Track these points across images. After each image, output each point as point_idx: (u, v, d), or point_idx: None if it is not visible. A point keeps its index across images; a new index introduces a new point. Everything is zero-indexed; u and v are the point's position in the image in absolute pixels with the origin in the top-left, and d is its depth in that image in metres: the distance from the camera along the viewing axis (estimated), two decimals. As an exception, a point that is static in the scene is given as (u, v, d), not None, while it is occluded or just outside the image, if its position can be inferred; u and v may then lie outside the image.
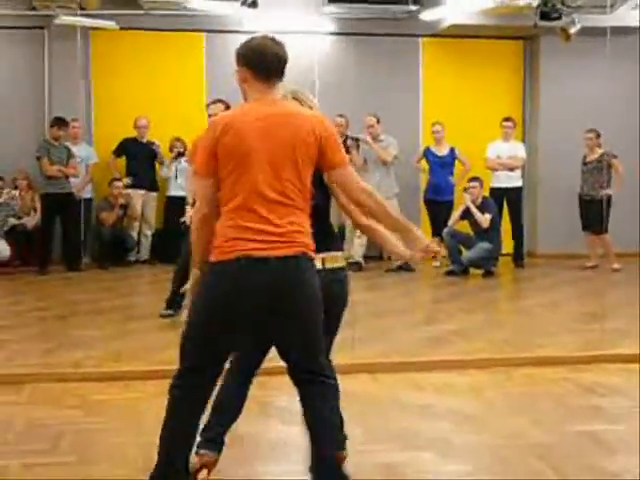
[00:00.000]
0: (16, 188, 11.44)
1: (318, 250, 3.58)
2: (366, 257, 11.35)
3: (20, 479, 3.92)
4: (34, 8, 11.49)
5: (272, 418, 5.05)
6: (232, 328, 3.46)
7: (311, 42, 12.28)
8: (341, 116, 11.43)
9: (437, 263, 11.45)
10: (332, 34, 12.36)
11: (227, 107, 7.96)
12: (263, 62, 3.54)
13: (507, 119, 11.74)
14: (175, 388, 3.53)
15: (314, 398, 3.63)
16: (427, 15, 11.65)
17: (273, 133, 3.45)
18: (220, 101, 8.08)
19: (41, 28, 11.79)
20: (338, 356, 6.29)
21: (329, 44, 12.47)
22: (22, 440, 4.57)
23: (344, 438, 3.84)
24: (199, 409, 3.56)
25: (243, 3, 11.05)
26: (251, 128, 3.44)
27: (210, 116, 7.85)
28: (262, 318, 3.47)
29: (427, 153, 11.82)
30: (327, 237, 3.77)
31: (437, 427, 4.84)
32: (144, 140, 11.79)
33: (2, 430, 4.71)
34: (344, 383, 5.67)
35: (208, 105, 7.85)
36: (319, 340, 3.58)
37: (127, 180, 11.73)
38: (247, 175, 3.40)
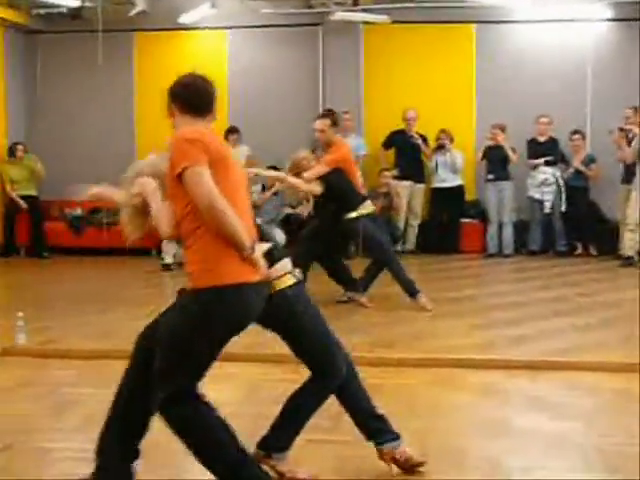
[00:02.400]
0: (292, 177, 11.99)
1: None
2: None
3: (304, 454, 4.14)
4: (311, 6, 11.98)
5: (544, 413, 4.97)
6: None
7: (586, 30, 11.91)
8: (634, 108, 10.88)
9: None
10: (609, 20, 11.86)
11: (334, 123, 7.89)
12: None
13: None
14: None
15: None
16: None
17: None
18: (328, 115, 8.09)
19: (317, 25, 12.28)
20: (614, 354, 6.10)
21: (605, 31, 11.99)
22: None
23: None
24: None
25: (515, -7, 10.90)
26: None
27: (316, 132, 7.93)
28: None
29: None
30: None
31: None
32: (413, 132, 11.94)
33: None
34: (618, 381, 5.52)
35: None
36: None
37: (394, 171, 11.95)
38: None
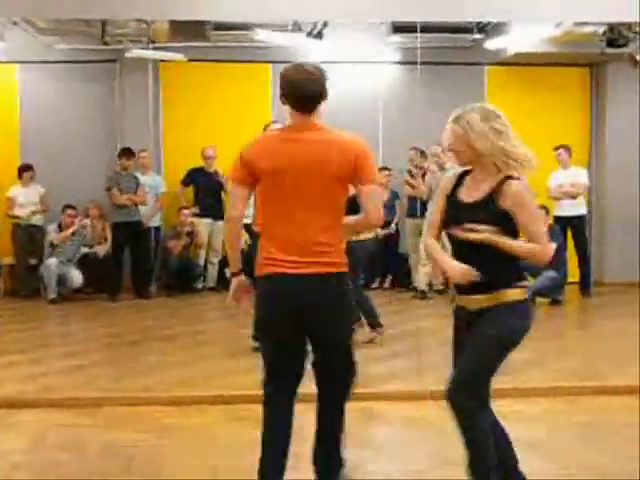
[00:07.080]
0: (88, 217, 11.74)
1: None
2: (430, 285, 11.32)
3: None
4: (106, 43, 11.82)
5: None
6: None
7: (376, 71, 12.43)
8: (415, 149, 11.48)
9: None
10: (397, 63, 12.44)
11: None
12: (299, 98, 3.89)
13: (557, 147, 11.55)
14: None
15: None
16: (492, 44, 11.65)
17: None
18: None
19: (113, 62, 12.13)
20: (405, 383, 6.39)
21: (394, 73, 12.56)
22: (97, 461, 4.70)
23: None
24: None
25: (309, 34, 11.21)
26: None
27: None
28: None
29: (493, 181, 11.72)
30: None
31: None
32: (211, 170, 11.96)
33: (78, 451, 4.84)
34: (409, 409, 5.76)
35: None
36: None
37: (194, 209, 11.94)
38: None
